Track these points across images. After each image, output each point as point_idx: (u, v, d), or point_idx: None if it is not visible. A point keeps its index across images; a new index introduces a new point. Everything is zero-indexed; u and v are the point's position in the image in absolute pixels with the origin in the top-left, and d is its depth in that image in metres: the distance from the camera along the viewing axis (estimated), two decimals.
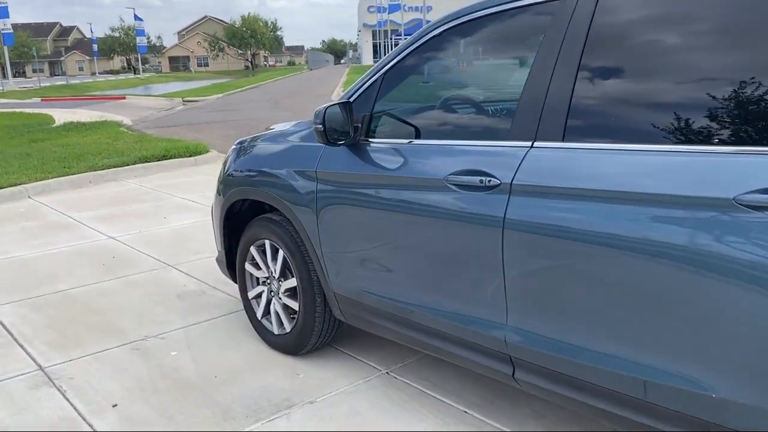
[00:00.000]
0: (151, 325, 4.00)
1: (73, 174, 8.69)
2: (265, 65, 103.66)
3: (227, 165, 3.74)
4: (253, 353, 3.57)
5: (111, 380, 3.33)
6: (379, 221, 2.76)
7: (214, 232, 3.97)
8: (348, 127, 2.81)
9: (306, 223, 3.11)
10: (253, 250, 3.58)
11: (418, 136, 2.78)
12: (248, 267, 3.66)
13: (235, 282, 3.90)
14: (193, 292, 4.56)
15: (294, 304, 3.38)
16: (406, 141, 2.77)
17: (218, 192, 3.79)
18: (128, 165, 9.32)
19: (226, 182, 3.68)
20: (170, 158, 9.83)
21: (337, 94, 24.11)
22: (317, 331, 3.31)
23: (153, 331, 3.90)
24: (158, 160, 9.68)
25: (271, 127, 4.00)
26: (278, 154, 3.35)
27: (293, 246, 3.26)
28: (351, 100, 2.87)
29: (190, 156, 10.08)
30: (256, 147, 3.57)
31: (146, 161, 9.55)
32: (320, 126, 2.77)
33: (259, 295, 3.66)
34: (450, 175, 2.44)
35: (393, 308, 2.81)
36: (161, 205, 7.34)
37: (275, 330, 3.53)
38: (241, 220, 3.76)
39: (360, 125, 2.86)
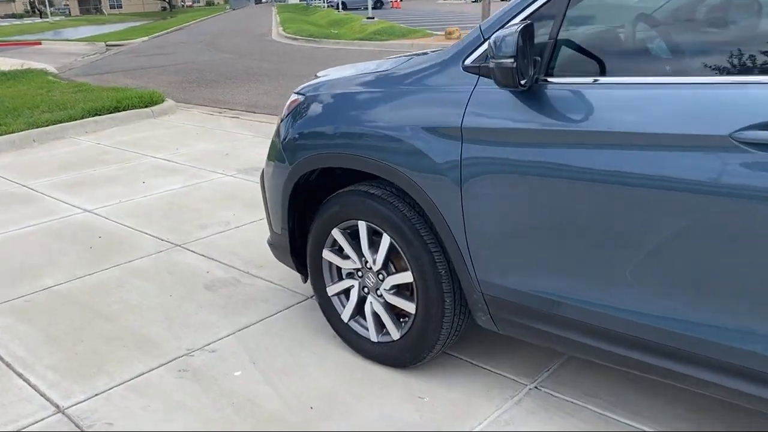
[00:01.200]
0: (188, 331, 3.08)
1: (11, 132, 7.36)
2: (183, 5, 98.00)
3: (290, 124, 2.81)
4: (345, 368, 2.73)
5: (169, 424, 2.44)
6: (584, 199, 1.93)
7: (268, 209, 3.04)
8: (526, 63, 1.94)
9: (439, 199, 2.25)
10: (336, 234, 2.69)
11: (651, 71, 1.94)
12: (328, 255, 2.78)
13: (302, 273, 3.01)
14: (224, 280, 3.63)
15: (406, 305, 2.55)
16: (634, 80, 1.92)
17: (276, 158, 2.86)
18: (76, 119, 8.02)
19: (292, 146, 2.75)
20: (124, 110, 8.55)
21: (278, 33, 22.58)
22: (442, 339, 2.50)
23: (196, 342, 2.99)
24: (110, 113, 8.39)
25: (319, 75, 3.06)
26: (386, 106, 2.44)
27: (408, 230, 2.40)
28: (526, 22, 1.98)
29: (146, 107, 8.81)
30: (341, 98, 2.64)
31: (97, 114, 8.26)
32: (510, 61, 1.89)
33: (344, 292, 2.80)
34: (741, 130, 1.63)
35: (599, 319, 2.02)
36: (132, 166, 6.21)
37: (373, 336, 2.70)
38: (308, 193, 2.86)
39: (539, 58, 2.01)
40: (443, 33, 17.60)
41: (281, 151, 2.81)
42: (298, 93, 2.88)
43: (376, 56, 14.27)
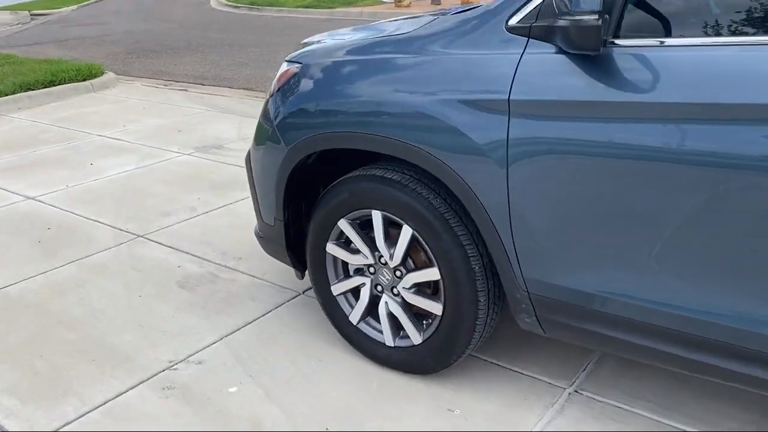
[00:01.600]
0: (167, 339, 2.69)
1: None
2: None
3: (283, 99, 2.41)
4: (357, 377, 2.40)
5: None
6: (669, 184, 1.63)
7: (257, 197, 2.65)
8: (609, 20, 1.62)
9: (479, 185, 1.92)
10: (344, 225, 2.34)
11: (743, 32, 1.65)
12: (333, 249, 2.42)
13: (298, 269, 2.64)
14: (199, 276, 3.23)
15: (430, 306, 2.23)
16: (732, 41, 1.62)
17: (268, 140, 2.47)
18: (7, 95, 7.30)
19: (288, 125, 2.37)
20: (60, 84, 7.85)
21: (218, 1, 21.59)
22: (474, 342, 2.19)
23: (178, 352, 2.60)
24: (45, 87, 7.68)
25: (308, 41, 2.68)
26: (410, 76, 2.07)
27: (435, 220, 2.07)
28: None
29: (84, 80, 8.12)
30: (351, 67, 2.25)
31: (30, 89, 7.55)
32: (594, 18, 1.56)
33: (352, 291, 2.46)
34: None
35: (668, 320, 1.74)
36: (76, 146, 5.64)
37: (389, 340, 2.37)
38: (304, 179, 2.49)
39: (607, 16, 1.68)
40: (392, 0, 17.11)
41: (274, 132, 2.42)
42: (291, 62, 2.48)
43: (328, 25, 13.72)
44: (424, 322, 2.31)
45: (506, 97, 1.83)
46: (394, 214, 2.19)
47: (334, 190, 2.33)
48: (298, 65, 2.42)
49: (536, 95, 1.79)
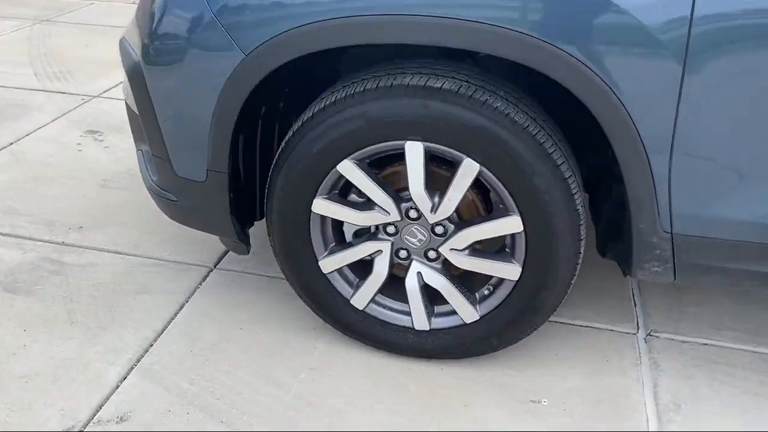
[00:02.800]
0: (44, 386, 1.63)
1: None
2: None
3: None
4: (378, 384, 1.67)
5: None
6: None
7: (163, 139, 1.63)
8: None
9: (633, 88, 1.27)
10: (348, 167, 1.51)
11: None
12: (324, 207, 1.58)
13: (245, 242, 1.74)
14: (31, 266, 2.08)
15: (500, 269, 1.56)
16: None
17: (197, 46, 1.48)
18: None
19: (247, 17, 1.40)
20: None
21: None
22: (550, 308, 1.60)
23: (73, 406, 1.58)
24: None
25: None
26: None
27: (525, 146, 1.38)
28: None
29: None
30: None
31: None
32: None
33: (355, 264, 1.66)
34: None
35: None
36: None
37: (422, 322, 1.66)
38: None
39: None
40: None
41: (212, 33, 1.43)
42: None
43: None
44: (477, 293, 1.63)
45: None
46: (448, 145, 1.43)
47: (334, 118, 1.46)
48: None
49: None
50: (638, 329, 1.85)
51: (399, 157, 1.53)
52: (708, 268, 1.48)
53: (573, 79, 1.29)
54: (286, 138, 1.54)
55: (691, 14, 1.19)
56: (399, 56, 1.50)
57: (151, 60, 1.56)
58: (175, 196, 1.71)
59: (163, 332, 1.81)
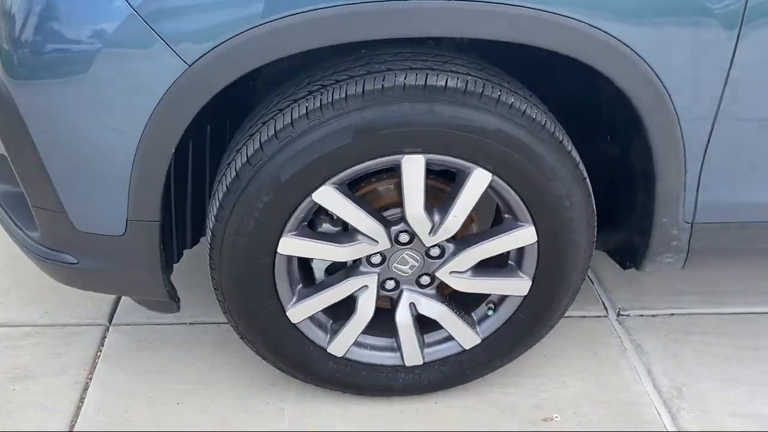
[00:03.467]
0: None
1: None
2: None
3: None
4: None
5: None
6: None
7: (52, 184, 1.16)
8: None
9: (678, 71, 1.11)
10: (327, 194, 1.18)
11: None
12: (294, 246, 1.24)
13: (175, 298, 1.34)
14: None
15: (507, 286, 1.35)
16: None
17: (116, 50, 1.05)
18: None
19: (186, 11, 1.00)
20: None
21: None
22: (558, 317, 1.44)
23: None
24: None
25: None
26: None
27: (545, 147, 1.18)
28: None
29: None
30: None
31: None
32: None
33: (332, 307, 1.35)
34: None
35: None
36: None
37: (414, 358, 1.40)
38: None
39: None
40: None
41: (136, 33, 1.01)
42: None
43: None
44: (474, 313, 1.41)
45: None
46: (456, 155, 1.16)
47: (308, 136, 1.12)
48: None
49: None
50: (607, 311, 1.77)
51: (378, 171, 1.24)
52: (719, 253, 1.41)
53: (606, 59, 1.09)
54: (237, 166, 1.16)
55: None
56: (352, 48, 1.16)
57: (24, 72, 1.08)
58: (75, 257, 1.25)
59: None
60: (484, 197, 1.23)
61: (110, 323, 1.64)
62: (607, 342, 1.67)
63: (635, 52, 1.07)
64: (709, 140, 1.19)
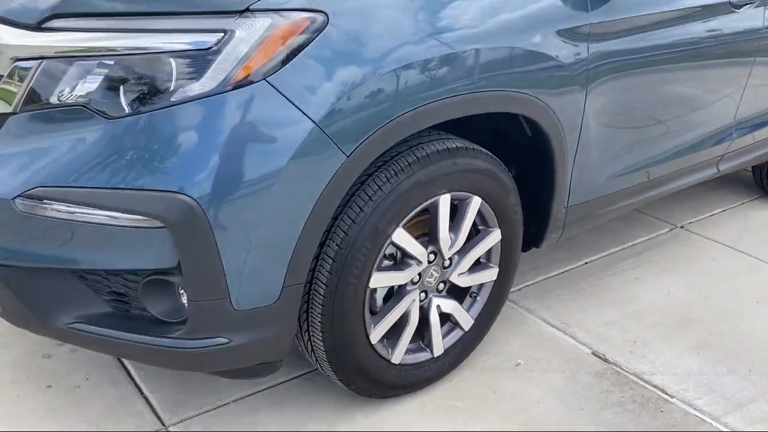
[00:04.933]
0: None
1: None
2: None
3: (313, 72, 1.42)
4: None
5: None
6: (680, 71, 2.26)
7: (222, 268, 1.42)
8: None
9: (563, 110, 1.91)
10: (400, 235, 1.69)
11: None
12: (379, 279, 1.71)
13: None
14: None
15: (487, 275, 1.98)
16: None
17: (289, 155, 1.41)
18: None
19: (349, 113, 1.46)
20: None
21: None
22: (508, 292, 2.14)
23: None
24: None
25: None
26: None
27: (506, 176, 1.90)
28: None
29: None
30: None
31: None
32: None
33: (395, 324, 1.82)
34: None
35: (637, 176, 2.36)
36: None
37: (439, 348, 1.94)
38: None
39: None
40: None
41: (307, 136, 1.40)
42: (290, 9, 1.39)
43: None
44: (464, 303, 2.01)
45: (588, 22, 1.87)
46: (466, 190, 1.79)
47: (397, 190, 1.62)
48: (317, 14, 1.40)
49: (617, 14, 1.96)
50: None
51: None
52: (579, 223, 2.25)
53: (541, 116, 1.85)
54: (345, 227, 1.58)
55: (588, 54, 1.90)
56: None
57: (226, 198, 1.37)
58: (228, 337, 1.49)
59: None
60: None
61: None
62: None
63: (549, 107, 1.85)
64: (576, 151, 2.03)
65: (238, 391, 1.92)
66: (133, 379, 1.96)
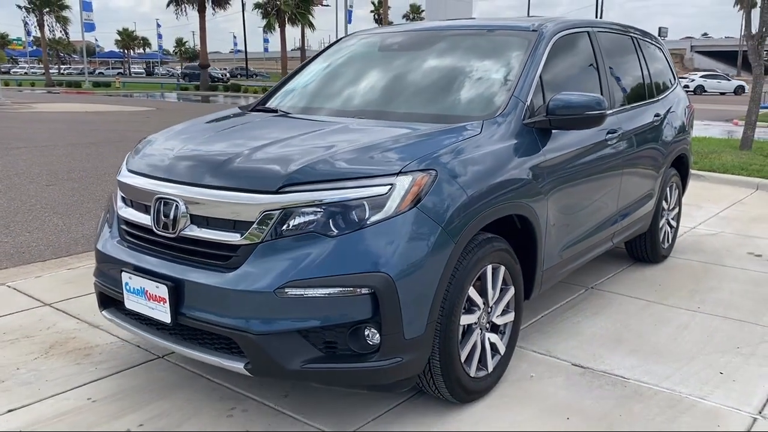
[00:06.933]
0: None
1: None
2: None
3: (438, 203, 2.63)
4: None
5: None
6: (586, 182, 3.62)
7: (400, 316, 2.49)
8: None
9: (539, 214, 3.21)
10: (471, 289, 2.86)
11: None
12: (463, 319, 2.83)
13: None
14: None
15: (509, 318, 3.15)
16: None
17: (430, 246, 2.58)
18: None
19: (455, 219, 2.67)
20: None
21: None
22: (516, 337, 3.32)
23: None
24: None
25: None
26: (490, 166, 2.94)
27: (513, 255, 3.13)
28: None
29: None
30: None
31: None
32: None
33: (471, 348, 2.94)
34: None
35: (574, 249, 3.70)
36: None
37: (490, 365, 3.06)
38: None
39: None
40: None
41: (439, 236, 2.57)
42: (420, 170, 2.60)
43: None
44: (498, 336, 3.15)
45: (541, 158, 3.23)
46: (498, 262, 2.99)
47: (476, 260, 2.78)
48: (430, 172, 2.60)
49: (555, 152, 3.30)
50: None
51: None
52: (548, 281, 3.50)
53: (530, 215, 3.12)
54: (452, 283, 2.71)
55: (545, 176, 3.24)
56: None
57: (404, 273, 2.46)
58: (402, 357, 2.51)
59: None
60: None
61: None
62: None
63: (533, 208, 3.13)
64: (545, 233, 3.30)
65: (373, 412, 2.88)
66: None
